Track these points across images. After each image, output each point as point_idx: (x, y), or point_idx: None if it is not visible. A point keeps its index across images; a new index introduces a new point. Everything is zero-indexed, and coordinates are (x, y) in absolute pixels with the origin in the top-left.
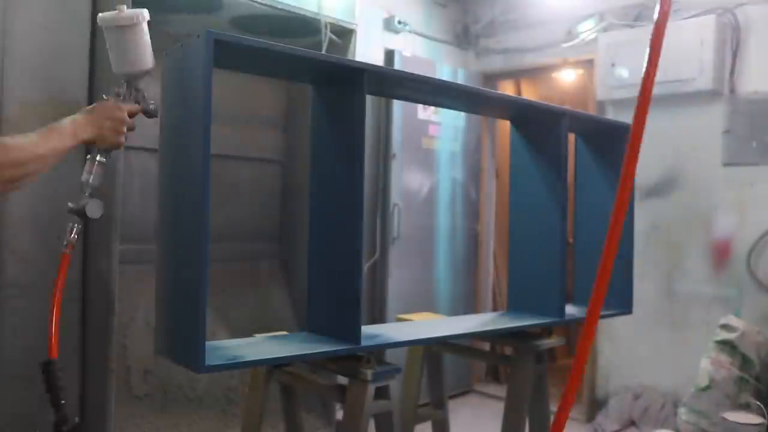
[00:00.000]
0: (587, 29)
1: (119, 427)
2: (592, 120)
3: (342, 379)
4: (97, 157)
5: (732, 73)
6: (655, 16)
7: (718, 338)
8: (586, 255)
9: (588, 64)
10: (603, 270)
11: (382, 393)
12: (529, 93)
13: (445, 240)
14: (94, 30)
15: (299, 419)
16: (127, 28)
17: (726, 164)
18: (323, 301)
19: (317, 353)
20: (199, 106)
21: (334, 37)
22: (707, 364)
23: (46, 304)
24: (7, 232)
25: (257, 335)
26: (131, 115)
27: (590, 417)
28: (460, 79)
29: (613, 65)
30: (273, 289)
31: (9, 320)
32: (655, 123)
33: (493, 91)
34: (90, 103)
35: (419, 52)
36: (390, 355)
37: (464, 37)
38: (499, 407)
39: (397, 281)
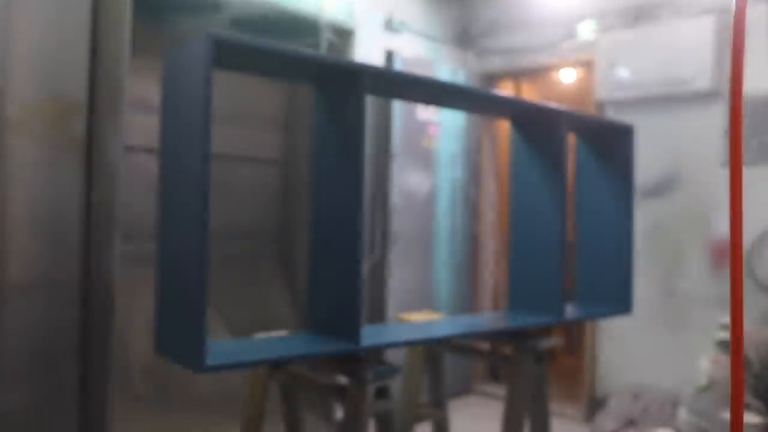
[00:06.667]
0: (587, 29)
1: (119, 427)
2: (592, 120)
3: (342, 379)
4: None
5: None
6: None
7: (718, 338)
8: (586, 255)
9: (588, 65)
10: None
11: (382, 393)
12: (529, 93)
13: (445, 240)
14: (95, 29)
15: (299, 419)
16: None
17: (726, 164)
18: (323, 301)
19: (317, 353)
20: (199, 106)
21: (333, 37)
22: (707, 364)
23: (46, 304)
24: (7, 232)
25: (257, 335)
26: None
27: (590, 417)
28: (460, 79)
29: (613, 66)
30: (273, 289)
31: (9, 320)
32: (654, 123)
33: (493, 91)
34: (90, 102)
35: (419, 52)
36: (390, 355)
37: (464, 37)
38: (499, 407)
39: (397, 281)
